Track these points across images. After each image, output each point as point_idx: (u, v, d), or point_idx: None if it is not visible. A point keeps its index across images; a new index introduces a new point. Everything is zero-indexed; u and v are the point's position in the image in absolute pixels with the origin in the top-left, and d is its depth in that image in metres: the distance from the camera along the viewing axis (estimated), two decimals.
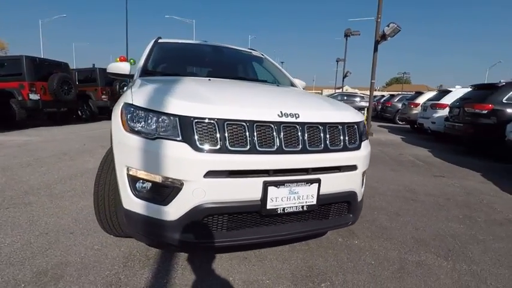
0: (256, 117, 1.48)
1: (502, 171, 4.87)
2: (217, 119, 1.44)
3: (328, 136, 1.62)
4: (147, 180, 1.49)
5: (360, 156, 1.73)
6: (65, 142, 5.91)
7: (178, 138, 1.42)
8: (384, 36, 8.80)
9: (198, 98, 1.58)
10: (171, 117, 1.45)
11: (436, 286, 1.71)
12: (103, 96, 10.33)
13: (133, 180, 1.53)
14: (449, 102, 7.76)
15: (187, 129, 1.42)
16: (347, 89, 65.68)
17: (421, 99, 10.50)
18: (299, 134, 1.54)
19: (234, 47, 3.35)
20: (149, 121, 1.49)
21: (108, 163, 1.84)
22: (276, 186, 1.48)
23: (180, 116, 1.44)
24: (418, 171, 4.58)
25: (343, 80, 24.19)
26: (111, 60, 21.59)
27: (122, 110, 1.61)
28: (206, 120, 1.43)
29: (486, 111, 5.79)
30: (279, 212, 1.52)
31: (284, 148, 1.50)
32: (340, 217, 1.80)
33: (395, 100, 14.81)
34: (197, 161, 1.38)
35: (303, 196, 1.55)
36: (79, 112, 10.61)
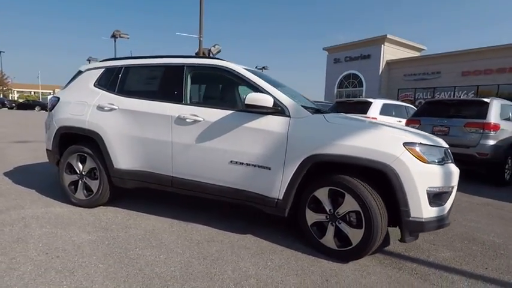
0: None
1: None
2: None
3: None
4: (441, 192, 2.25)
5: None
6: None
7: (450, 161, 2.35)
8: (209, 54, 10.24)
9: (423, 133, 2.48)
10: (444, 149, 2.33)
11: None
12: None
13: (430, 196, 2.20)
14: None
15: (448, 155, 2.38)
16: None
17: None
18: None
19: None
20: (438, 154, 2.26)
21: (374, 204, 2.17)
22: None
23: (445, 148, 2.36)
24: None
25: None
26: None
27: (408, 148, 2.16)
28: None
29: None
30: None
31: None
32: None
33: None
34: (458, 172, 2.41)
35: None
36: None
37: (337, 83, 28.90)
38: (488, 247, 2.76)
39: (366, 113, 7.30)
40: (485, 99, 5.58)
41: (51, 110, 3.39)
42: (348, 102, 7.99)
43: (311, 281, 2.04)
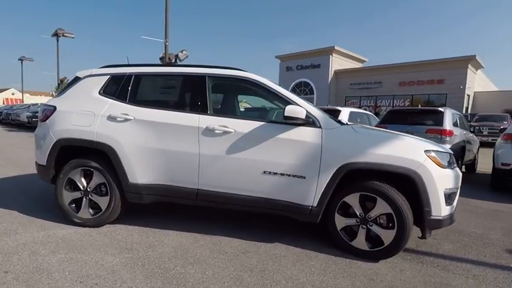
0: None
1: None
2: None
3: None
4: (452, 193, 2.59)
5: None
6: None
7: (455, 165, 2.71)
8: (176, 60, 9.97)
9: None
10: (450, 154, 2.68)
11: None
12: None
13: (446, 196, 2.52)
14: None
15: (453, 160, 2.74)
16: (13, 92, 52.46)
17: None
18: None
19: None
20: (448, 159, 2.60)
21: (405, 206, 2.41)
22: None
23: (451, 153, 2.72)
24: None
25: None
26: None
27: (428, 155, 2.46)
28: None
29: None
30: None
31: None
32: None
33: None
34: (461, 175, 2.79)
35: None
36: None
37: (289, 90, 30.04)
38: (475, 237, 3.22)
39: None
40: (440, 109, 6.43)
41: (44, 121, 3.02)
42: None
43: (360, 282, 2.19)
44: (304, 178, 2.56)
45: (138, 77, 2.98)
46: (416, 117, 6.78)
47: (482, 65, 22.50)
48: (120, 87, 2.95)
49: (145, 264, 2.27)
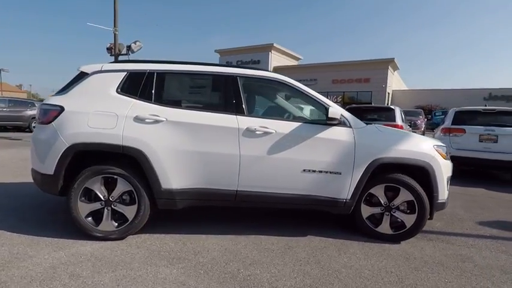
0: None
1: None
2: None
3: None
4: (449, 180, 3.12)
5: None
6: None
7: (449, 157, 3.27)
8: (128, 50, 9.15)
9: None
10: (446, 147, 3.22)
11: None
12: None
13: (447, 182, 3.04)
14: None
15: (448, 151, 3.30)
16: None
17: None
18: None
19: None
20: (445, 151, 3.11)
21: (424, 193, 2.83)
22: None
23: (446, 146, 3.26)
24: None
25: None
26: None
27: (436, 149, 2.93)
28: None
29: None
30: None
31: None
32: None
33: None
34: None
35: None
36: None
37: None
38: (450, 215, 3.90)
39: None
40: (392, 107, 7.40)
41: (47, 123, 2.58)
42: None
43: (400, 261, 2.52)
44: (340, 174, 2.77)
45: (162, 75, 2.78)
46: (371, 114, 7.65)
47: (398, 66, 26.14)
48: (142, 86, 2.70)
49: (207, 272, 2.20)
